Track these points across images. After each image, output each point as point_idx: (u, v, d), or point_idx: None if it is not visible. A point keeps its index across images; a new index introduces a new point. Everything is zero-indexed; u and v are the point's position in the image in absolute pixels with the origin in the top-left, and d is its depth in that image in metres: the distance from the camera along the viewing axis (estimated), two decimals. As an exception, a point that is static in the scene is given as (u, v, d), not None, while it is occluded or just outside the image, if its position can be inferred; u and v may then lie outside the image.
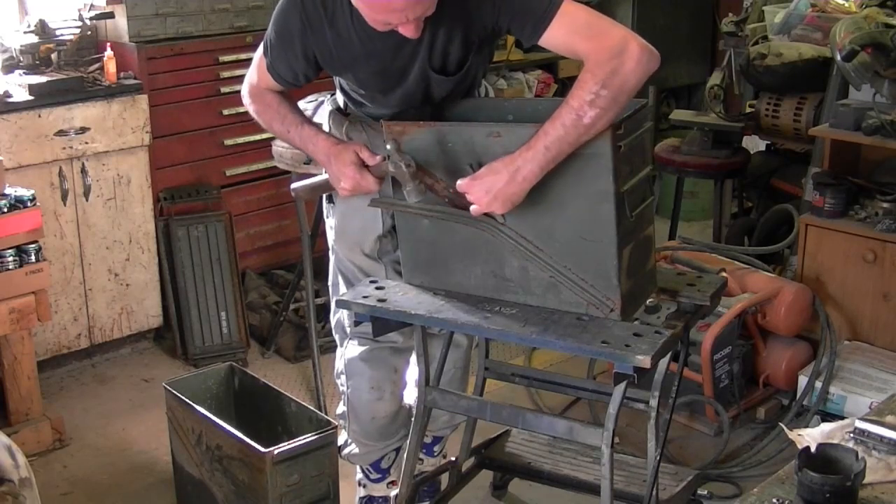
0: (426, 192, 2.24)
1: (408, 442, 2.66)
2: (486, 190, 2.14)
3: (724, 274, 3.19)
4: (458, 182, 2.19)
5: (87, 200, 3.72)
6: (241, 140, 4.06)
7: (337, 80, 2.54)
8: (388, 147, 2.23)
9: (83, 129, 3.64)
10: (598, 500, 2.35)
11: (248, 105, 2.50)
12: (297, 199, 2.63)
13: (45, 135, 3.56)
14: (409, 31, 2.16)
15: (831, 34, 3.49)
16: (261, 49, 2.40)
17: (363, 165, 2.31)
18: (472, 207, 2.20)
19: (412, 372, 2.76)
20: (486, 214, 2.21)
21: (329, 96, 2.73)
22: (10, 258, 3.19)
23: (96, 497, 3.16)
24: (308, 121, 2.47)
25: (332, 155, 2.35)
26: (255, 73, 2.45)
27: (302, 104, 2.93)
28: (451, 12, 2.21)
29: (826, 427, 2.08)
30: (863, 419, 2.03)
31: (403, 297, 2.41)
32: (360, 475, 2.93)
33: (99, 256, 3.81)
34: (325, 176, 2.48)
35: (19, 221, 3.19)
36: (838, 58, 3.41)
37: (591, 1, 5.13)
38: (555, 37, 2.12)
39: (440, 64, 2.33)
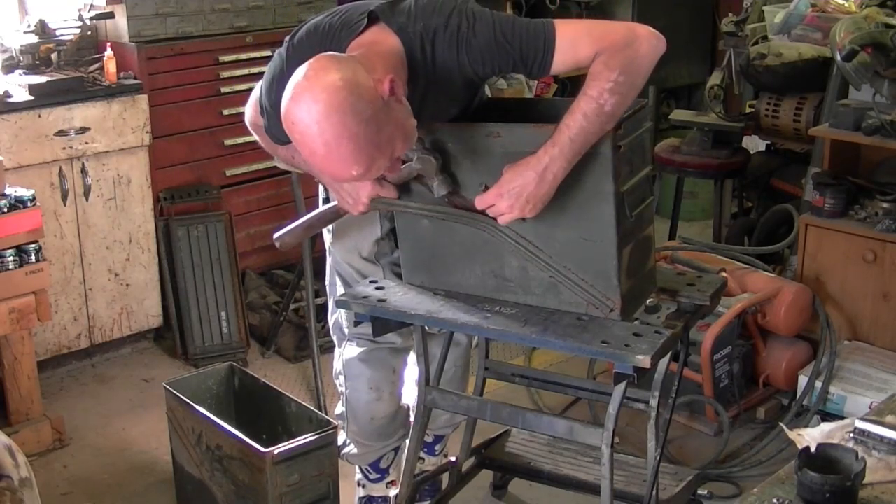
0: (452, 184, 2.22)
1: (407, 442, 2.66)
2: (517, 195, 2.08)
3: (724, 274, 3.19)
4: (478, 198, 2.14)
5: (87, 200, 3.72)
6: (241, 140, 4.05)
7: None
8: (415, 146, 2.18)
9: (83, 129, 3.63)
10: (598, 500, 2.35)
11: (252, 133, 2.44)
12: (282, 247, 2.55)
13: (45, 135, 3.56)
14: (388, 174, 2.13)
15: (831, 34, 3.49)
16: (256, 92, 2.31)
17: (381, 176, 2.27)
18: (502, 217, 2.13)
19: (411, 372, 2.76)
20: (481, 213, 2.19)
21: None
22: (10, 258, 3.19)
23: (96, 497, 3.16)
24: None
25: None
26: (252, 111, 2.37)
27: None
28: (447, 90, 2.17)
29: (826, 427, 2.08)
30: (863, 419, 2.03)
31: (403, 297, 2.41)
32: (359, 475, 2.93)
33: (99, 256, 3.80)
34: (310, 215, 2.47)
35: (19, 221, 3.19)
36: (838, 58, 3.41)
37: (591, 1, 5.14)
38: (562, 62, 2.09)
39: (448, 122, 2.31)
